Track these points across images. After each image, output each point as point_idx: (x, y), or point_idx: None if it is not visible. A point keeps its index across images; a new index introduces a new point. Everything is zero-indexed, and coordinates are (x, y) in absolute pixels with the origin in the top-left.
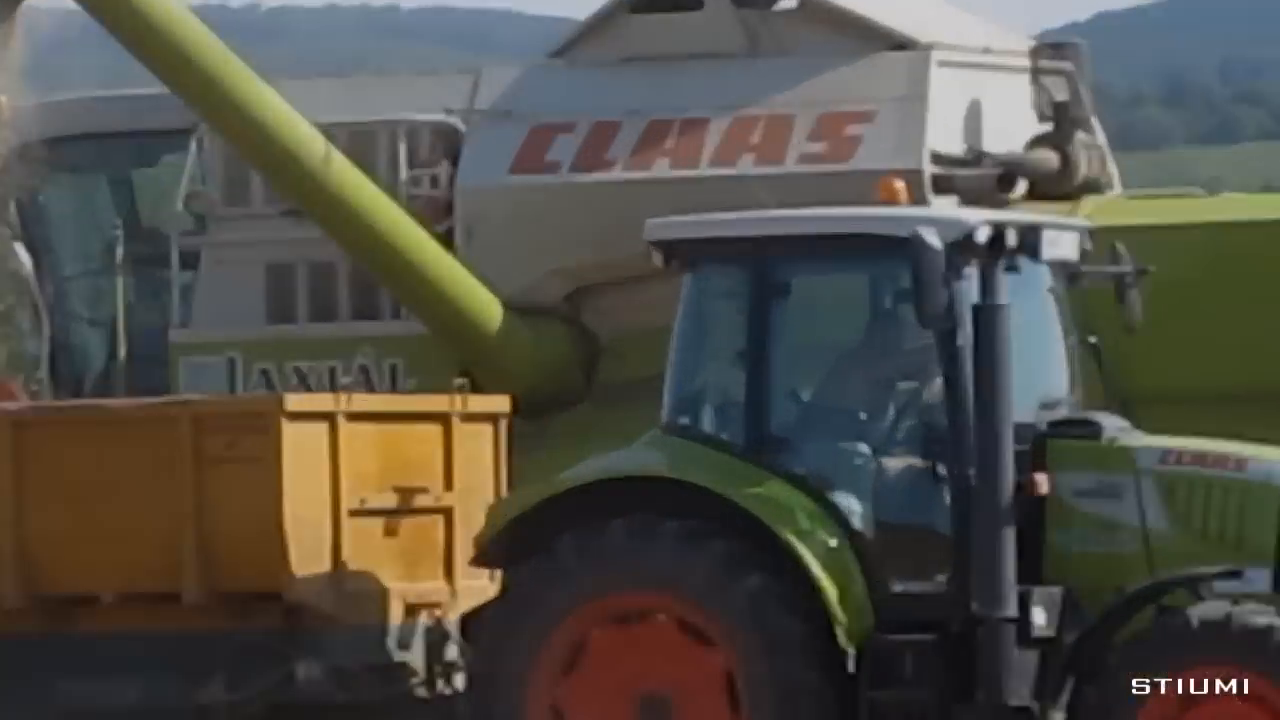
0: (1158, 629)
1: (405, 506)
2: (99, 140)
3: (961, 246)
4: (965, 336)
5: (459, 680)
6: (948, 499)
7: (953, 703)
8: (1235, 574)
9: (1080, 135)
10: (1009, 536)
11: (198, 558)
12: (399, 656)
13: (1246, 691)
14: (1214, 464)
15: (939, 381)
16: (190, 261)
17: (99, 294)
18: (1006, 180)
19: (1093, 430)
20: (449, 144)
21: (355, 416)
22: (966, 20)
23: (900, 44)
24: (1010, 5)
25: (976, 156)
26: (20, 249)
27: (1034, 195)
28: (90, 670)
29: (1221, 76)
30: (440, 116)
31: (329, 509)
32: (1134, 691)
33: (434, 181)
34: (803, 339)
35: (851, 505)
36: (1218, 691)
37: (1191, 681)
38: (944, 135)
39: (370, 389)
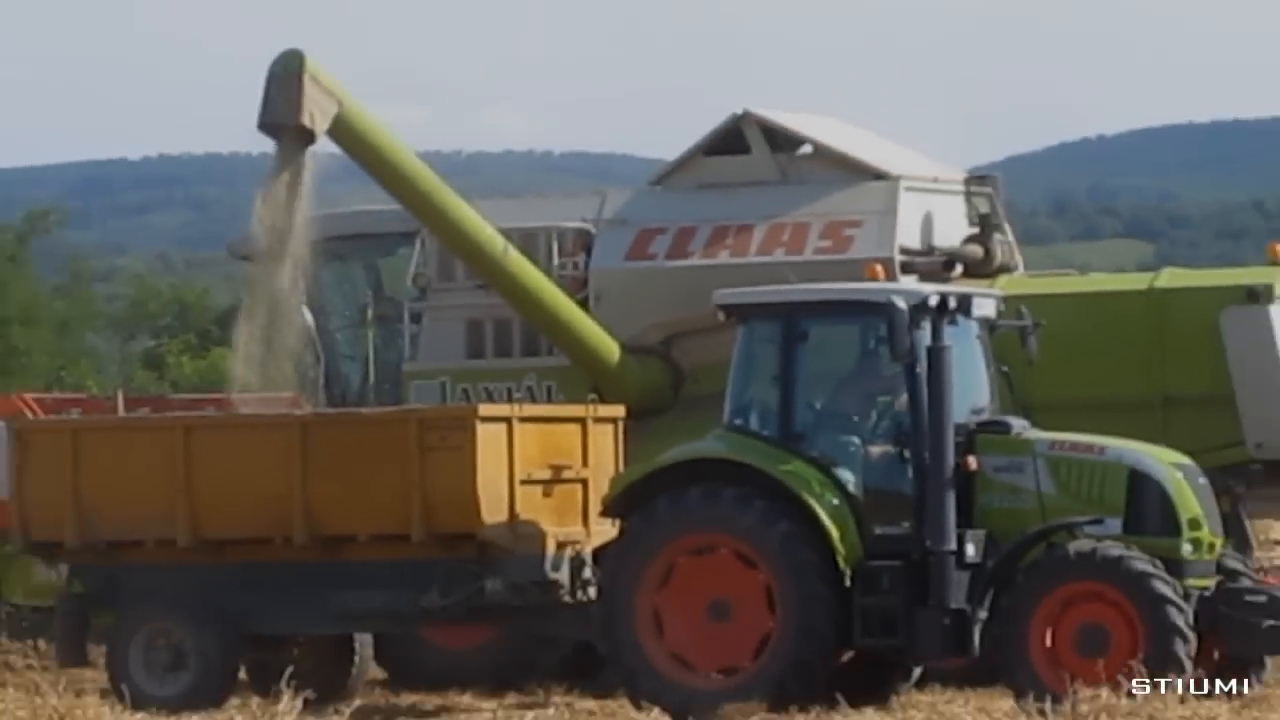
0: (1047, 557)
1: (557, 478)
2: (357, 239)
3: (919, 308)
4: (922, 367)
5: (592, 591)
6: (910, 473)
7: (915, 606)
8: (1098, 521)
9: (997, 235)
10: (951, 497)
11: (422, 511)
12: (553, 575)
13: (1105, 599)
14: (1084, 450)
15: (905, 396)
16: (416, 318)
17: (356, 339)
18: (949, 265)
19: (1005, 428)
20: (585, 241)
21: (524, 419)
22: (922, 159)
23: (879, 175)
24: (950, 146)
25: (929, 249)
26: (305, 310)
27: (967, 274)
28: (351, 585)
29: (1089, 197)
30: (579, 223)
31: (506, 479)
32: (1032, 598)
33: (575, 266)
34: (815, 368)
35: (847, 477)
36: (1087, 599)
37: (1068, 594)
38: (908, 235)
39: (534, 401)
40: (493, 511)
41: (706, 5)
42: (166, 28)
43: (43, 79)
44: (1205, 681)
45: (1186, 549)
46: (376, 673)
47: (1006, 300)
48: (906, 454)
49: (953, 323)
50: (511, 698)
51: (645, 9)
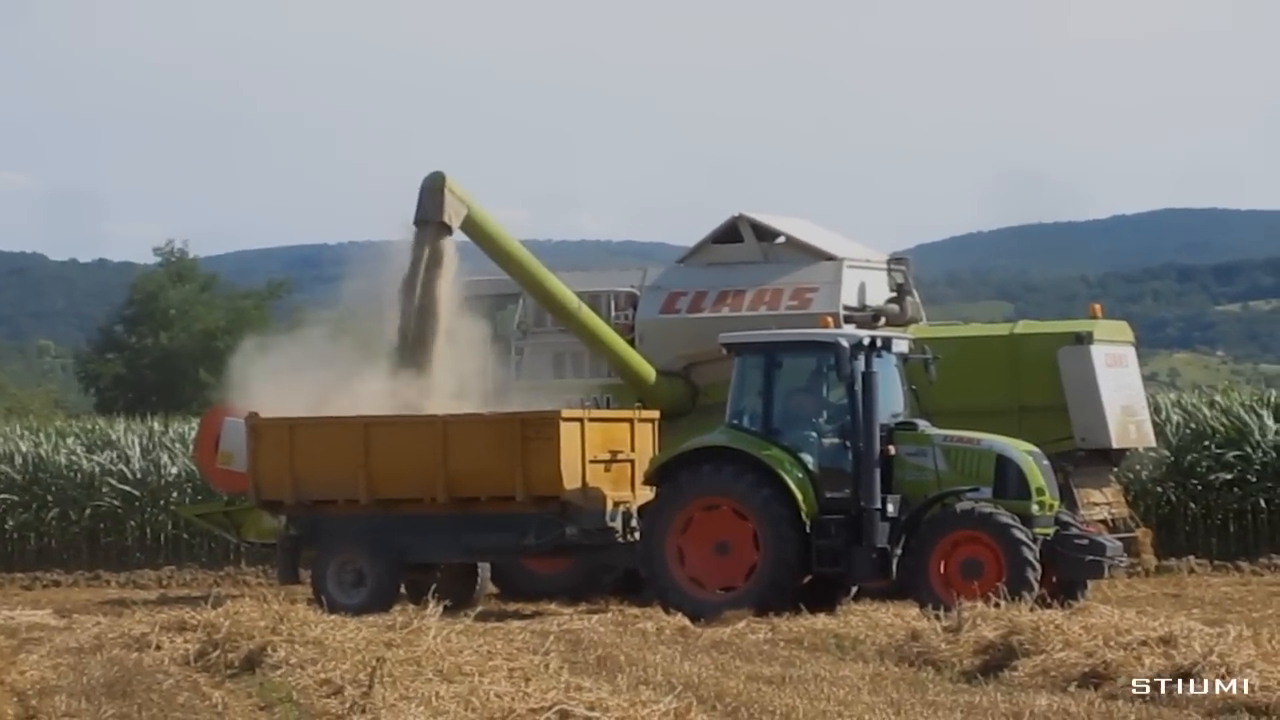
0: (941, 513)
1: (614, 458)
2: (480, 298)
3: (857, 346)
4: (859, 386)
5: (636, 534)
6: (850, 456)
7: (853, 545)
8: (976, 489)
9: (908, 298)
10: (877, 473)
11: (523, 481)
12: (611, 524)
13: (980, 542)
14: (966, 441)
15: (847, 404)
16: (520, 350)
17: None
18: (876, 317)
19: (913, 426)
20: (632, 300)
21: (593, 419)
22: (858, 245)
23: (829, 257)
24: (877, 236)
25: (863, 307)
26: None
27: (888, 324)
28: (476, 529)
29: (972, 273)
30: (628, 288)
31: (580, 459)
32: (931, 540)
33: (626, 317)
34: (787, 386)
35: (808, 459)
36: (968, 542)
37: (956, 538)
38: (849, 297)
39: (598, 408)
40: (571, 481)
41: (716, 141)
42: (357, 158)
43: (270, 192)
44: (1046, 597)
45: (1035, 508)
46: (492, 589)
47: (915, 341)
48: (848, 443)
49: (879, 356)
50: (583, 605)
51: (678, 143)
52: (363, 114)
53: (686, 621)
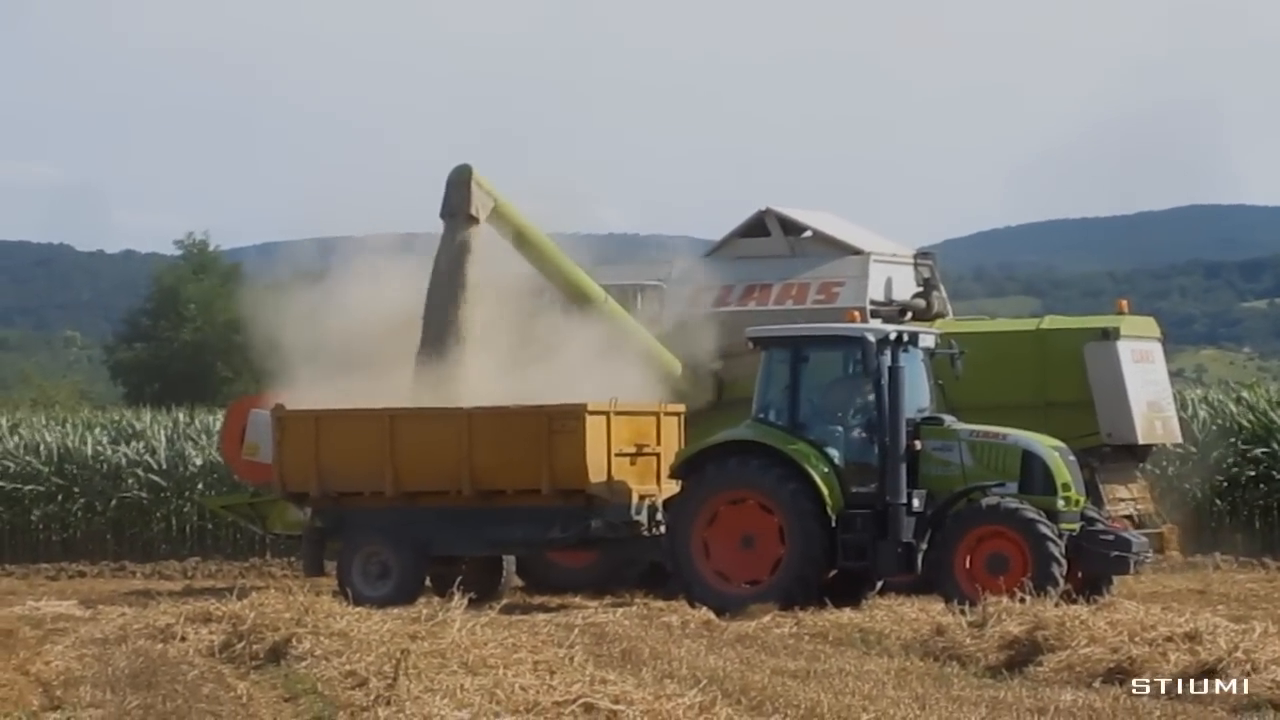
0: (967, 508)
1: (639, 452)
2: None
3: (883, 341)
4: (885, 380)
5: (662, 528)
6: (876, 450)
7: (878, 540)
8: (1001, 484)
9: (935, 293)
10: (903, 468)
11: (549, 474)
12: (636, 517)
13: (1006, 537)
14: (992, 436)
15: (874, 398)
16: None
17: None
18: (902, 312)
19: (940, 421)
20: (660, 294)
21: (618, 413)
22: (885, 240)
23: (856, 251)
24: (904, 231)
25: (889, 302)
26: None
27: (915, 319)
28: (501, 522)
29: (998, 268)
30: (655, 281)
31: (606, 452)
32: (957, 535)
33: (653, 311)
34: (813, 381)
35: (834, 453)
36: (994, 537)
37: (981, 533)
38: (875, 292)
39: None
40: (597, 474)
41: (743, 134)
42: (382, 148)
43: (296, 182)
44: (1072, 592)
45: (1060, 504)
46: (517, 582)
47: (941, 336)
48: (874, 438)
49: (905, 351)
50: (608, 599)
51: (705, 136)
52: (387, 104)
53: (711, 615)
